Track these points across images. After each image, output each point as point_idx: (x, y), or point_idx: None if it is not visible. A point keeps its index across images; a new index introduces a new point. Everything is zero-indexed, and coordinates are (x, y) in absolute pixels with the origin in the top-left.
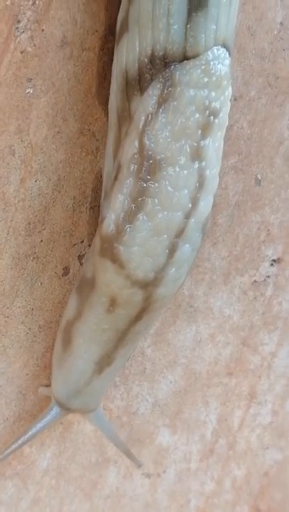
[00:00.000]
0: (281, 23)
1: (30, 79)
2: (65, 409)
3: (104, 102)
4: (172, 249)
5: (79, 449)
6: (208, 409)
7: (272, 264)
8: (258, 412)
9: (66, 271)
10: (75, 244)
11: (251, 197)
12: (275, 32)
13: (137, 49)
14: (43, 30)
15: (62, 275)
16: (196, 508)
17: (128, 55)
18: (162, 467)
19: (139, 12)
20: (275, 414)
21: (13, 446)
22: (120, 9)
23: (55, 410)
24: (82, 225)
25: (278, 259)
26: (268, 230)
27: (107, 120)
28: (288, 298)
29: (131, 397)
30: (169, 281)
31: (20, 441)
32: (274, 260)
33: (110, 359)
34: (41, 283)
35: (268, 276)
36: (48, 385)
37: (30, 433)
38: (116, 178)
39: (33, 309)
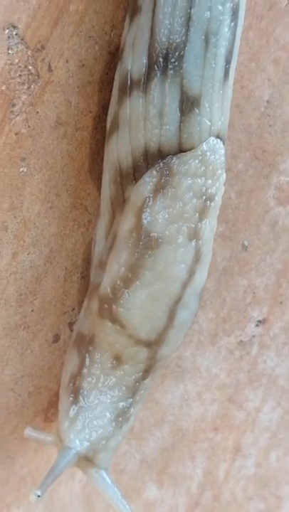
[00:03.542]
0: (268, 101)
1: (24, 158)
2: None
3: (97, 178)
4: (171, 315)
5: (66, 507)
6: (194, 463)
7: (257, 325)
8: (243, 465)
9: (56, 338)
10: (65, 313)
11: (238, 262)
12: (262, 109)
13: (130, 146)
14: (37, 112)
15: (53, 342)
16: None
17: (120, 151)
18: None
19: (130, 113)
20: (259, 466)
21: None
22: (109, 109)
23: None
24: (73, 293)
25: (263, 319)
26: (254, 293)
27: (100, 195)
28: (272, 356)
29: (119, 455)
30: (170, 342)
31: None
32: (259, 321)
33: (127, 416)
34: (31, 351)
35: (254, 336)
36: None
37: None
38: (111, 247)
39: (22, 376)
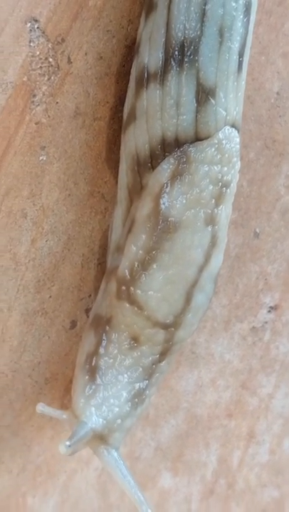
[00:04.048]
0: (277, 93)
1: (44, 147)
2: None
3: (114, 166)
4: (188, 298)
5: (82, 496)
6: (208, 450)
7: (269, 311)
8: (257, 452)
9: (73, 324)
10: (82, 299)
11: (250, 249)
12: (272, 100)
13: (147, 136)
14: (57, 102)
15: (70, 328)
16: None
17: (137, 141)
18: (163, 509)
19: (147, 104)
20: (273, 453)
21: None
22: (126, 101)
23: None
24: (89, 280)
25: (275, 306)
26: (266, 279)
27: (116, 183)
28: (285, 342)
29: (134, 443)
30: (187, 325)
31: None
32: (271, 307)
33: (142, 397)
34: (49, 337)
35: (266, 322)
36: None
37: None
38: (130, 231)
39: (40, 363)
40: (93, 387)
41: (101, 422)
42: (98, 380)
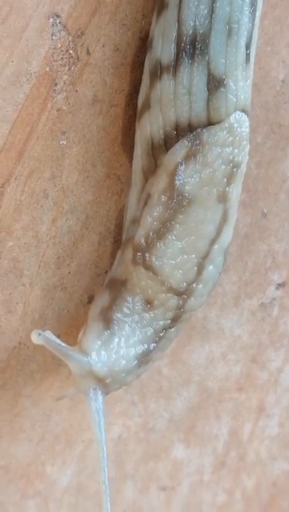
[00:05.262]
0: (283, 81)
1: (64, 132)
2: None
3: (129, 150)
4: (200, 268)
5: (98, 465)
6: (219, 423)
7: (277, 288)
8: (267, 425)
9: (91, 299)
10: (99, 275)
11: (258, 228)
12: (278, 88)
13: (161, 122)
14: (76, 91)
15: (87, 303)
16: None
17: (152, 127)
18: (177, 480)
19: (161, 93)
20: (282, 426)
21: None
22: (140, 91)
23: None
24: (106, 257)
25: (283, 283)
26: (274, 257)
27: (131, 166)
28: None
29: (148, 414)
30: (198, 295)
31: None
32: (279, 284)
33: (148, 358)
34: (68, 311)
35: (274, 299)
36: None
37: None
38: (146, 203)
39: (59, 335)
40: (107, 335)
41: (106, 369)
42: (113, 330)
